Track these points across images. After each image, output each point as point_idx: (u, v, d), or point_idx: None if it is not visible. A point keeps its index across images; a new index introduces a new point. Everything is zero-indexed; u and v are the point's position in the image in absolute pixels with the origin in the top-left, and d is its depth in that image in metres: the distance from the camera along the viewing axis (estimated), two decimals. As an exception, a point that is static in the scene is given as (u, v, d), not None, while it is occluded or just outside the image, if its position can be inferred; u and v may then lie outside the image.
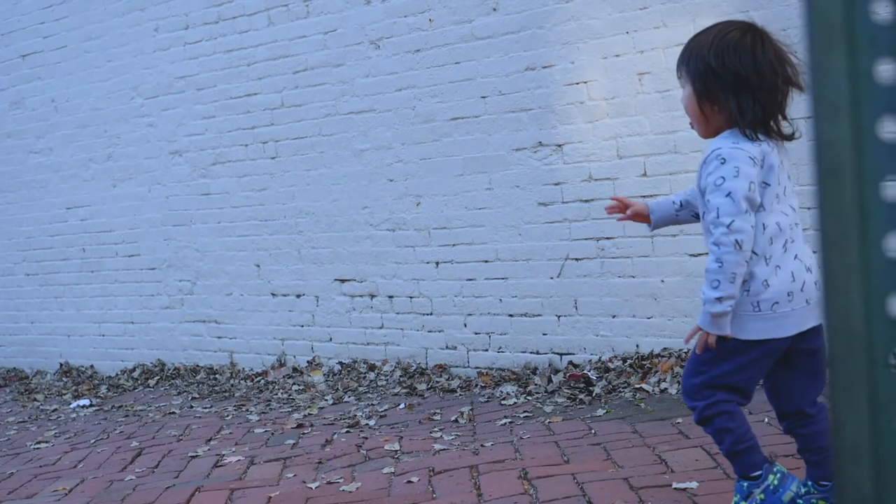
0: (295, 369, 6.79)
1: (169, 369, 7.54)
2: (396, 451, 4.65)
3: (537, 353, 5.81)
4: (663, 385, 5.12)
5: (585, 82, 5.49)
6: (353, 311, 6.55)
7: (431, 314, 6.19)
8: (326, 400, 6.02)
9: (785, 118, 2.73)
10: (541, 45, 5.61)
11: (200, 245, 7.29)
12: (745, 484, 2.95)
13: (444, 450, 4.56)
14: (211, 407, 6.32)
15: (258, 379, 6.87)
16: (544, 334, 5.77)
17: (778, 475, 2.97)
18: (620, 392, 5.20)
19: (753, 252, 2.71)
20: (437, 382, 5.98)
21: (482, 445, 4.54)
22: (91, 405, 7.01)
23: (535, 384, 5.55)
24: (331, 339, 6.68)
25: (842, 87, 0.73)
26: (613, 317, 5.54)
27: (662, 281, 5.35)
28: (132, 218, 7.67)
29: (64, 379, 8.10)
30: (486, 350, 5.99)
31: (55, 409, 7.06)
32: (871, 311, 0.75)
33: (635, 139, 5.36)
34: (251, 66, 6.83)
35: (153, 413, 6.38)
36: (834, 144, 0.73)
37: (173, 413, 6.28)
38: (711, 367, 2.85)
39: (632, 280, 5.45)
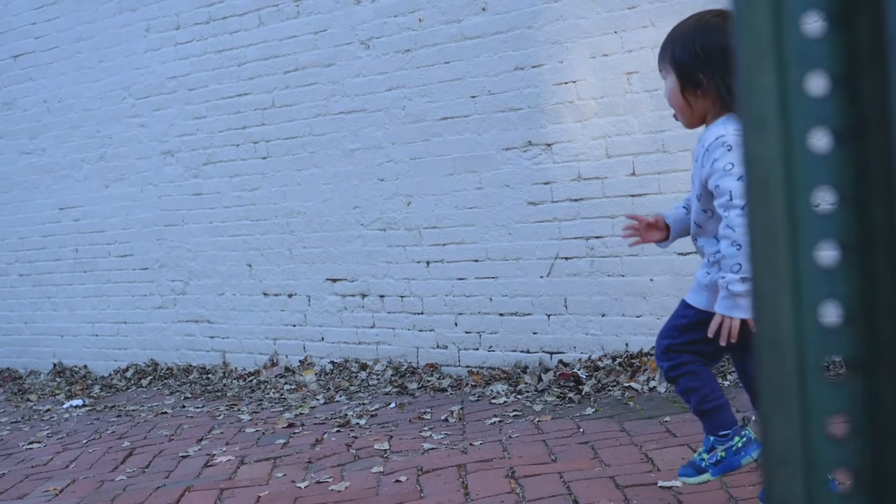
0: (287, 369, 6.81)
1: (162, 369, 7.56)
2: (386, 450, 4.67)
3: (527, 352, 5.83)
4: (652, 383, 5.14)
5: (574, 82, 5.50)
6: (345, 311, 6.56)
7: (422, 313, 6.21)
8: (318, 399, 6.04)
9: None
10: (530, 44, 5.63)
11: (192, 245, 7.30)
12: (712, 439, 3.02)
13: (434, 449, 4.57)
14: (203, 407, 6.33)
15: (250, 378, 6.89)
16: (534, 333, 5.79)
17: (744, 438, 3.01)
18: (609, 390, 5.22)
19: None
20: (428, 381, 6.00)
21: (471, 444, 4.56)
22: (84, 405, 7.03)
23: (526, 383, 5.57)
24: (322, 339, 6.70)
25: (770, 100, 0.75)
26: (603, 315, 5.56)
27: (651, 280, 5.37)
28: (125, 218, 7.68)
29: (57, 379, 8.12)
30: (477, 349, 6.01)
31: (48, 410, 7.07)
32: (803, 319, 0.77)
33: (624, 138, 5.37)
34: (242, 66, 6.84)
35: (145, 413, 6.39)
36: (762, 157, 0.74)
37: (165, 413, 6.30)
38: (681, 333, 2.93)
39: (621, 279, 5.47)
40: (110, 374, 7.84)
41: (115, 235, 7.77)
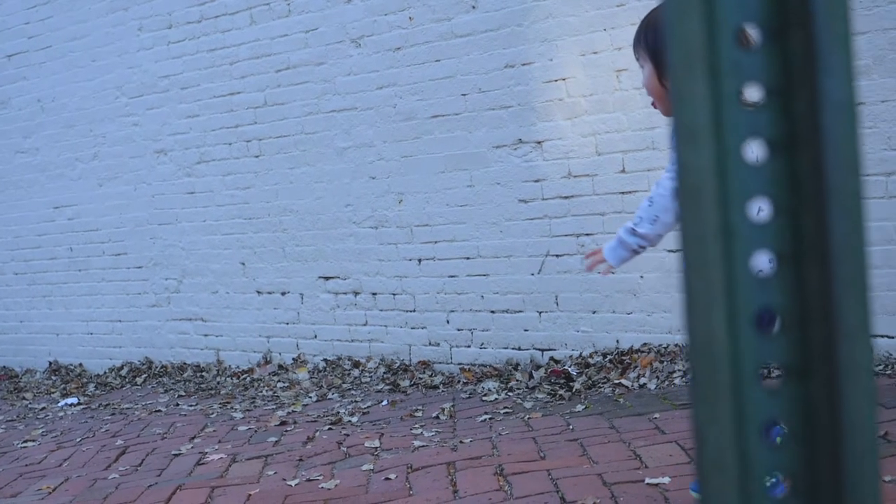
0: (280, 366, 6.82)
1: (156, 367, 7.57)
2: (376, 448, 4.69)
3: (519, 349, 5.84)
4: (642, 380, 5.15)
5: (564, 79, 5.52)
6: (338, 309, 6.58)
7: (414, 311, 6.23)
8: (311, 397, 6.05)
9: None
10: (520, 42, 5.64)
11: (186, 243, 7.31)
12: None
13: (424, 446, 4.59)
14: (197, 405, 6.35)
15: (244, 376, 6.90)
16: (525, 330, 5.80)
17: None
18: (600, 387, 5.24)
19: None
20: (420, 379, 6.01)
21: (461, 442, 4.57)
22: (79, 403, 7.04)
23: (517, 380, 5.59)
24: (316, 337, 6.71)
25: (702, 112, 0.76)
26: (594, 312, 5.57)
27: (641, 277, 5.38)
28: (118, 217, 7.69)
29: (53, 377, 8.13)
30: (469, 346, 6.03)
31: (43, 408, 7.09)
32: (739, 328, 0.78)
33: (614, 136, 5.39)
34: (234, 64, 6.85)
35: (139, 411, 6.41)
36: (695, 168, 0.76)
37: (159, 411, 6.31)
38: None
39: (611, 276, 5.48)
40: (105, 373, 7.86)
41: (110, 234, 7.78)
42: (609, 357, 5.49)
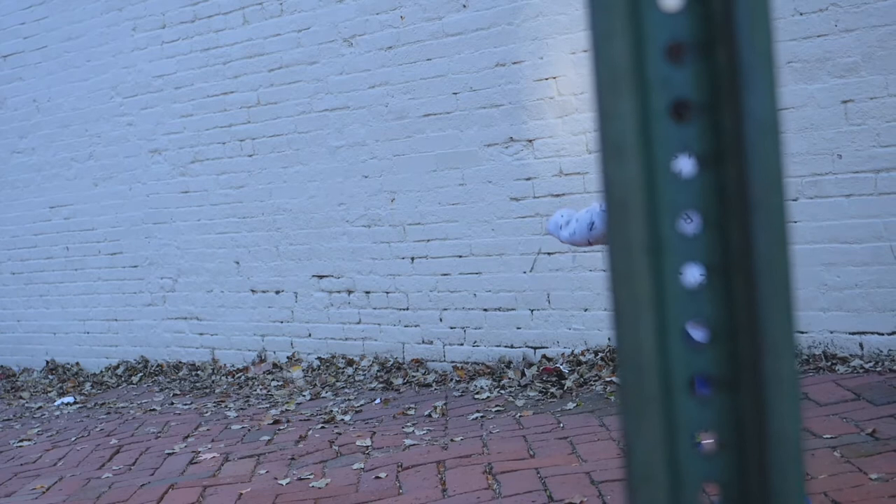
0: (275, 365, 6.84)
1: (152, 366, 7.59)
2: (368, 446, 4.71)
3: (511, 346, 5.86)
4: (634, 377, 5.16)
5: (555, 78, 5.53)
6: (332, 307, 6.59)
7: (407, 309, 6.24)
8: (304, 395, 6.07)
9: None
10: (510, 41, 5.65)
11: (181, 243, 7.33)
12: None
13: (415, 445, 4.61)
14: (191, 404, 6.37)
15: (239, 375, 6.92)
16: (518, 328, 5.82)
17: None
18: (591, 385, 5.25)
19: None
20: (414, 377, 6.03)
21: (452, 440, 4.59)
22: (75, 402, 7.06)
23: (509, 378, 5.60)
24: (310, 335, 6.73)
25: (628, 128, 0.77)
26: (585, 310, 5.58)
27: (633, 274, 5.39)
28: (114, 216, 7.71)
29: (50, 376, 8.15)
30: (462, 344, 6.04)
31: (40, 407, 7.11)
32: (669, 339, 0.79)
33: (605, 134, 5.39)
34: (227, 64, 6.86)
35: (134, 410, 6.43)
36: (620, 184, 0.77)
37: (154, 410, 6.33)
38: None
39: (603, 273, 5.49)
40: (101, 372, 7.88)
41: (105, 234, 7.80)
42: (601, 354, 5.50)
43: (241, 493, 4.26)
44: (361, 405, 5.63)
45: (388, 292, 6.32)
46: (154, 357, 7.64)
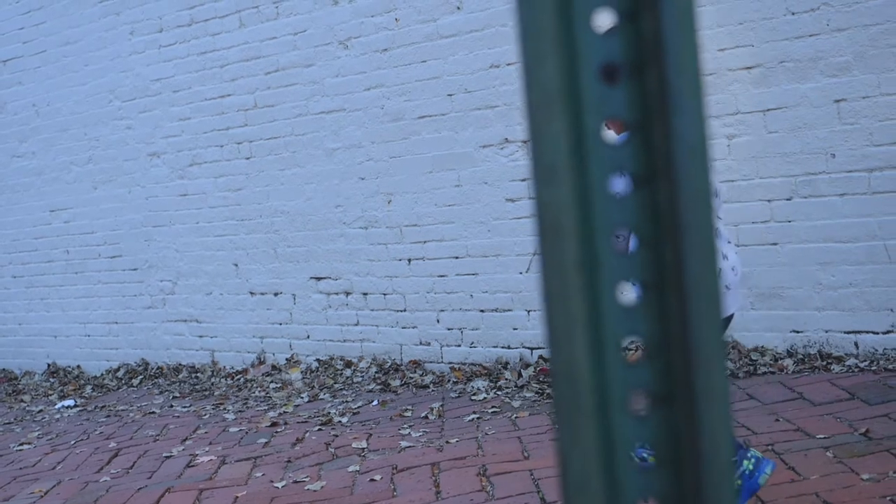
0: (274, 367, 6.86)
1: (152, 368, 7.61)
2: (363, 448, 4.72)
3: (508, 347, 5.87)
4: (629, 378, 5.17)
5: (549, 79, 5.53)
6: (330, 309, 6.61)
7: (405, 310, 6.25)
8: (302, 397, 6.08)
9: None
10: (505, 42, 5.66)
11: (180, 245, 7.35)
12: None
13: (410, 447, 4.62)
14: (190, 406, 6.39)
15: (238, 377, 6.94)
16: (515, 329, 5.83)
17: (752, 459, 3.10)
18: (588, 385, 5.26)
19: None
20: (411, 378, 6.04)
21: (447, 442, 4.60)
22: (75, 405, 7.09)
23: (506, 379, 5.61)
24: (308, 337, 6.75)
25: (559, 150, 0.78)
26: (582, 311, 5.58)
27: (628, 274, 5.40)
28: (113, 219, 7.73)
29: (51, 379, 8.18)
30: (459, 345, 6.05)
31: (41, 410, 7.14)
32: (605, 356, 0.80)
33: (599, 134, 5.40)
34: (224, 67, 6.88)
35: (134, 413, 6.45)
36: (553, 204, 0.78)
37: (153, 413, 6.36)
38: None
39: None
40: (102, 374, 7.90)
41: (105, 237, 7.82)
42: (597, 355, 5.50)
43: (237, 497, 4.28)
44: (359, 407, 5.65)
45: (385, 294, 6.33)
46: (154, 359, 7.66)
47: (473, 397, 5.45)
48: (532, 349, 5.78)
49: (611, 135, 0.78)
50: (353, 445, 4.79)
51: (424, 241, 6.10)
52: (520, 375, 5.60)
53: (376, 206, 6.27)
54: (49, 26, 7.95)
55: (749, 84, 4.89)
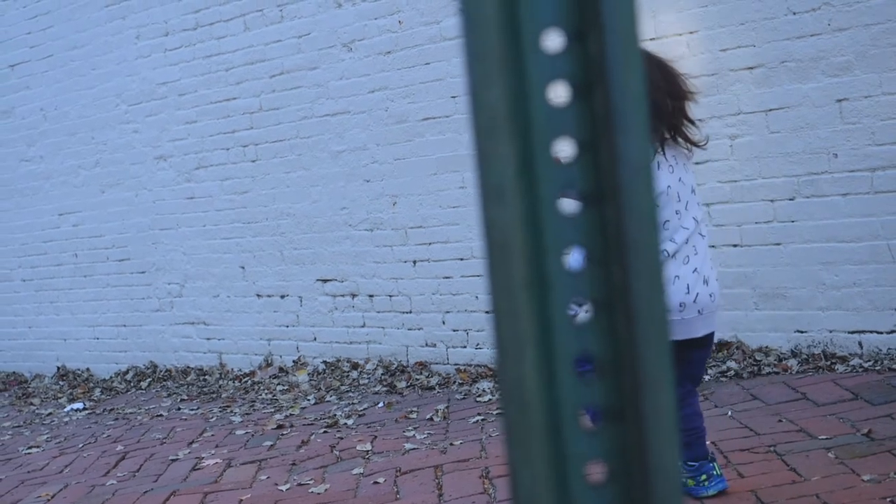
0: (281, 369, 6.88)
1: (161, 371, 7.65)
2: (368, 451, 4.73)
3: (514, 348, 5.87)
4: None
5: (552, 80, 5.53)
6: (336, 311, 6.63)
7: (411, 312, 6.27)
8: (309, 400, 6.10)
9: (692, 123, 2.85)
10: (508, 44, 5.66)
11: (187, 248, 7.38)
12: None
13: (414, 449, 4.63)
14: (198, 409, 6.41)
15: (245, 379, 6.96)
16: (520, 330, 5.82)
17: (709, 473, 3.23)
18: (592, 386, 5.26)
19: None
20: (417, 380, 6.05)
21: (451, 444, 4.61)
22: (84, 408, 7.13)
23: (511, 380, 5.61)
24: (315, 339, 6.76)
25: (507, 170, 0.78)
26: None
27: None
28: (121, 223, 7.77)
29: (61, 382, 8.22)
30: (465, 347, 6.06)
31: (50, 413, 7.18)
32: (556, 373, 0.81)
33: (602, 135, 5.40)
34: (229, 71, 6.90)
35: (142, 416, 6.48)
36: (500, 224, 0.78)
37: (161, 415, 6.38)
38: None
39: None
40: (111, 377, 7.94)
41: (113, 240, 7.86)
42: (602, 356, 5.51)
43: (241, 500, 4.30)
44: (365, 409, 5.66)
45: (391, 296, 6.35)
46: (163, 362, 7.70)
47: (479, 398, 5.46)
48: (537, 350, 5.78)
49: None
50: (358, 448, 4.81)
51: (430, 243, 6.11)
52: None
53: (381, 208, 6.29)
54: (56, 31, 7.98)
55: (751, 84, 4.88)
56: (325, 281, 6.65)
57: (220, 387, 6.95)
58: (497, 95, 0.78)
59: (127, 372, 7.86)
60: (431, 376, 6.08)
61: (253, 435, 5.45)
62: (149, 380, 7.58)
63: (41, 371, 8.62)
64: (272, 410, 6.00)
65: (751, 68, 4.88)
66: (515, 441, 0.79)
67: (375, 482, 4.22)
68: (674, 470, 0.80)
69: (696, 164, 5.04)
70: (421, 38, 5.98)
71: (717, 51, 4.96)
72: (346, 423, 5.38)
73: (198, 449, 5.34)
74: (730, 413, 4.37)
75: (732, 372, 4.93)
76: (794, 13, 4.72)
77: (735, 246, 5.03)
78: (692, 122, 2.98)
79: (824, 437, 3.83)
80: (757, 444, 3.87)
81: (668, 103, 2.90)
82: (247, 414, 6.01)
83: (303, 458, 4.82)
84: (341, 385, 6.32)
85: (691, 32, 5.05)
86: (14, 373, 8.88)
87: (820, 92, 4.70)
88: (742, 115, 4.93)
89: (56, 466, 5.52)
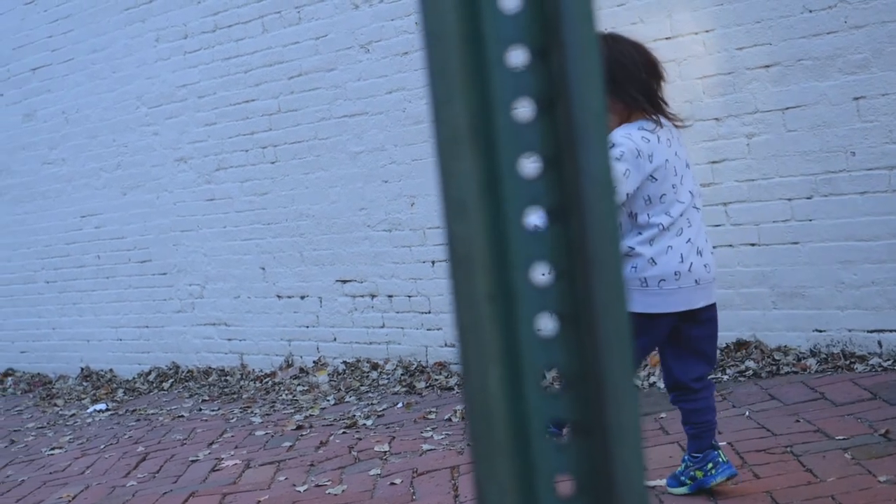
0: (302, 370, 6.90)
1: (183, 372, 7.69)
2: (385, 452, 4.74)
3: (532, 348, 5.87)
4: (652, 378, 5.16)
5: (568, 80, 5.52)
6: (355, 311, 6.65)
7: (430, 312, 6.27)
8: (328, 400, 6.12)
9: (665, 104, 2.97)
10: (524, 44, 5.65)
11: (208, 249, 7.41)
12: (687, 457, 3.43)
13: (432, 450, 4.64)
14: (218, 409, 6.44)
15: (266, 380, 6.99)
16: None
17: (715, 461, 3.37)
18: (610, 386, 5.25)
19: (639, 234, 2.96)
20: (437, 380, 6.06)
21: (468, 445, 4.61)
22: (107, 409, 7.17)
23: (529, 380, 5.61)
24: (335, 339, 6.79)
25: (470, 187, 0.78)
26: (604, 311, 5.58)
27: (650, 275, 5.38)
28: (142, 224, 7.82)
29: (84, 383, 8.28)
30: (483, 347, 6.05)
31: (73, 414, 7.23)
32: (524, 387, 0.81)
33: (619, 135, 5.39)
34: (248, 72, 6.93)
35: (163, 416, 6.52)
36: (463, 238, 0.78)
37: (182, 416, 6.42)
38: None
39: (621, 274, 5.48)
40: (134, 378, 7.99)
41: (135, 242, 7.91)
42: (620, 355, 5.49)
43: (259, 501, 4.32)
44: (384, 409, 5.67)
45: (410, 296, 6.36)
46: (185, 363, 7.74)
47: (496, 399, 5.45)
48: (555, 350, 5.78)
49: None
50: (376, 449, 4.82)
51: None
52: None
53: (400, 208, 6.30)
54: (76, 34, 8.04)
55: (768, 82, 4.86)
56: (344, 281, 6.67)
57: (241, 387, 6.98)
58: (458, 111, 0.78)
59: (150, 373, 7.92)
60: (451, 376, 6.08)
61: (272, 436, 5.47)
62: (171, 380, 7.63)
63: (65, 372, 8.69)
64: (292, 411, 6.02)
65: (767, 66, 4.86)
66: (481, 455, 0.80)
67: (392, 483, 4.23)
68: (639, 483, 0.80)
69: (713, 163, 5.04)
70: (437, 39, 5.97)
71: (734, 49, 4.94)
72: (364, 424, 5.39)
73: (217, 450, 5.36)
74: (747, 413, 4.35)
75: (751, 372, 4.90)
76: (811, 11, 4.69)
77: (753, 245, 5.01)
78: (666, 102, 3.06)
79: (841, 437, 3.80)
80: (773, 445, 3.85)
81: (651, 82, 2.97)
82: (267, 415, 6.04)
83: (321, 458, 4.83)
84: (361, 385, 6.33)
85: (707, 31, 5.03)
86: (39, 374, 8.96)
87: (837, 90, 4.67)
88: (759, 114, 4.91)
89: (78, 468, 5.56)
